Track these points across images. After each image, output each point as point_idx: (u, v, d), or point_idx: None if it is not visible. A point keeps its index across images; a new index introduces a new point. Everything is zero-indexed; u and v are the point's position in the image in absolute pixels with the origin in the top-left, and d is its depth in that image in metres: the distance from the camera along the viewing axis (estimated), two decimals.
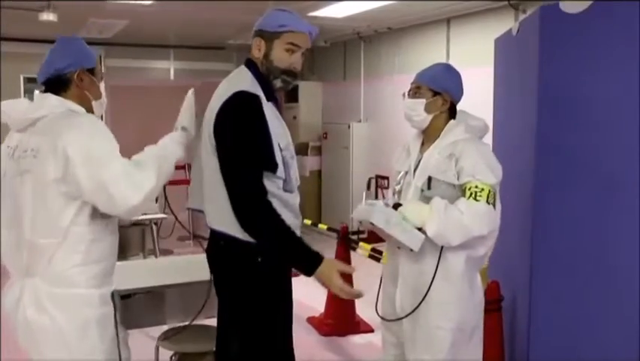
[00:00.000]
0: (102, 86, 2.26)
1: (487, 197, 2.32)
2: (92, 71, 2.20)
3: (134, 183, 2.02)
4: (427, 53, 6.73)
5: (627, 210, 2.65)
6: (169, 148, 2.24)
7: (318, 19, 6.21)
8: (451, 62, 6.31)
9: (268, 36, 2.27)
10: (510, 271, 3.25)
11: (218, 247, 2.33)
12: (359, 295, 2.14)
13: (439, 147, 2.46)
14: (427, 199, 2.41)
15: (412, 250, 2.32)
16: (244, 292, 2.28)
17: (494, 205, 2.35)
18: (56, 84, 2.15)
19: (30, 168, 2.05)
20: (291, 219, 2.26)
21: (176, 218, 2.70)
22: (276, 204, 2.20)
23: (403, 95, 2.58)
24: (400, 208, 2.36)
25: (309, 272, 2.15)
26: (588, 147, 2.73)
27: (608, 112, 2.67)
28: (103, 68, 8.27)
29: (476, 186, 2.32)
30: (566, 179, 2.76)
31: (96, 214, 2.07)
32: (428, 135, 2.55)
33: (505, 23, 5.23)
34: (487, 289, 3.13)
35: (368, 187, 2.64)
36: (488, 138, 3.66)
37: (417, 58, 6.86)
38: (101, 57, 8.25)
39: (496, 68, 3.72)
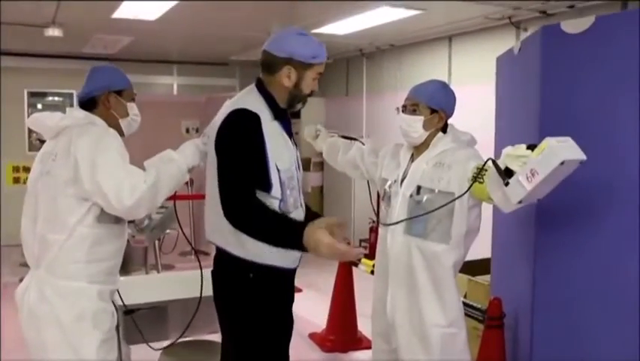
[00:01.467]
0: (133, 105, 2.52)
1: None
2: (120, 93, 2.48)
3: (129, 185, 2.21)
4: (428, 69, 6.77)
5: (628, 225, 2.65)
6: (184, 152, 2.41)
7: (321, 36, 6.26)
8: (453, 80, 6.42)
9: (300, 66, 2.25)
10: (512, 288, 3.25)
11: (216, 262, 2.36)
12: (358, 255, 2.00)
13: (427, 158, 2.56)
14: (415, 203, 2.53)
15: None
16: (236, 308, 2.30)
17: None
18: (87, 104, 2.45)
19: (50, 169, 2.32)
20: None
21: (184, 233, 2.74)
22: None
23: (397, 109, 2.63)
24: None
25: (301, 250, 2.04)
26: (591, 166, 2.73)
27: (610, 131, 2.69)
28: None
29: (487, 165, 2.36)
30: (567, 195, 2.77)
31: (102, 218, 2.30)
32: (418, 149, 2.64)
33: (507, 41, 5.27)
34: (489, 305, 3.14)
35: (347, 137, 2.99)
36: (488, 155, 3.69)
37: (419, 74, 6.89)
38: None
39: (497, 87, 3.74)
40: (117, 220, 2.35)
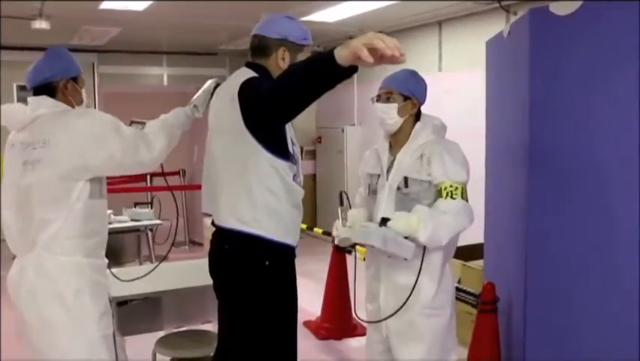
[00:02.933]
0: (83, 91, 2.53)
1: (462, 194, 2.48)
2: (75, 80, 2.47)
3: (148, 143, 2.41)
4: (419, 56, 6.75)
5: (622, 210, 2.65)
6: (179, 118, 2.61)
7: (310, 23, 6.23)
8: (444, 65, 6.41)
9: (293, 47, 2.32)
10: (505, 272, 3.27)
11: (222, 250, 2.34)
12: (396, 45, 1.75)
13: (411, 150, 2.60)
14: (403, 195, 2.56)
15: (405, 259, 2.43)
16: (251, 296, 2.30)
17: (467, 200, 2.51)
18: (44, 91, 2.41)
19: (40, 157, 2.31)
20: (289, 207, 2.31)
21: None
22: (282, 188, 2.26)
23: (372, 99, 2.69)
24: (389, 223, 2.44)
25: (334, 60, 1.80)
26: (581, 148, 2.74)
27: (600, 113, 2.69)
28: (96, 75, 8.29)
29: (451, 186, 2.46)
30: (559, 180, 2.78)
31: (93, 194, 2.36)
32: (396, 138, 2.68)
33: (497, 26, 5.25)
34: (482, 290, 3.15)
35: (341, 203, 2.63)
36: (481, 140, 3.70)
37: (409, 61, 6.80)
38: (94, 64, 8.28)
39: (487, 70, 3.73)
40: (101, 195, 2.43)
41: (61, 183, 2.30)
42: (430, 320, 2.55)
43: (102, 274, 2.44)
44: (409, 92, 2.63)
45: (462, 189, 2.48)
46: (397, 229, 2.41)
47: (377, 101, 2.66)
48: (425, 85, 2.69)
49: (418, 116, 2.67)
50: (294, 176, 2.31)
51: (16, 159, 2.37)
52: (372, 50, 1.70)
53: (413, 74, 2.69)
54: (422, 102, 2.67)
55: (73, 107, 2.47)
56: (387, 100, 2.63)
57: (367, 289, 2.76)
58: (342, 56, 1.76)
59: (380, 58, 1.71)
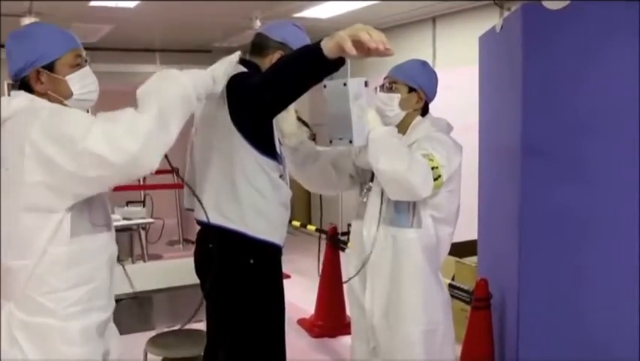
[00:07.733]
0: (78, 74, 1.87)
1: (434, 167, 2.26)
2: (51, 67, 1.82)
3: (124, 128, 1.67)
4: (413, 52, 6.70)
5: (618, 207, 2.65)
6: (190, 72, 1.94)
7: (303, 20, 6.21)
8: (438, 62, 6.39)
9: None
10: (499, 268, 3.26)
11: (207, 249, 2.32)
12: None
13: (405, 144, 2.38)
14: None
15: (350, 141, 2.20)
16: (236, 295, 2.28)
17: (437, 179, 2.27)
18: (23, 87, 1.84)
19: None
20: (277, 206, 2.27)
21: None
22: (269, 186, 2.22)
23: (375, 89, 2.52)
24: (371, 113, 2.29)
25: (320, 51, 1.80)
26: (574, 143, 2.73)
27: (593, 108, 2.68)
28: None
29: (431, 155, 2.28)
30: (553, 176, 2.77)
31: (79, 230, 1.75)
32: None
33: (491, 21, 5.20)
34: (475, 287, 3.14)
35: None
36: (475, 137, 3.68)
37: (403, 57, 6.74)
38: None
39: (480, 66, 3.71)
40: (94, 228, 1.82)
41: (19, 216, 1.70)
42: (421, 337, 2.38)
43: (94, 337, 1.82)
44: (415, 84, 2.45)
45: (438, 165, 2.26)
46: (369, 114, 2.24)
47: (380, 90, 2.50)
48: (436, 79, 2.51)
49: (424, 113, 2.50)
50: (280, 176, 2.28)
51: None
52: (358, 43, 1.68)
53: (423, 65, 2.53)
54: (431, 98, 2.49)
55: (60, 102, 1.84)
56: (390, 90, 2.46)
57: (350, 298, 2.61)
58: (328, 47, 1.77)
59: (367, 51, 1.69)
